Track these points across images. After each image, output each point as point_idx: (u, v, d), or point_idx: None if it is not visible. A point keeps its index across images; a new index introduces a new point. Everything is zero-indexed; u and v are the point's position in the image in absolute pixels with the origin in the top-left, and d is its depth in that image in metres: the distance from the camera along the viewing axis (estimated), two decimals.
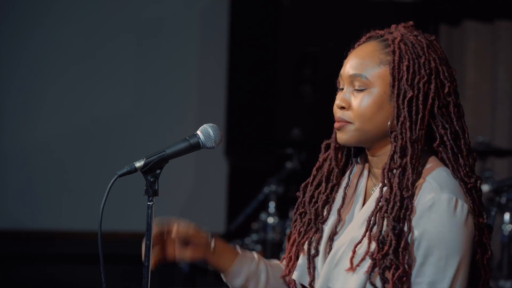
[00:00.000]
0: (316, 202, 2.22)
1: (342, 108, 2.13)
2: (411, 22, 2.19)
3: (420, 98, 2.08)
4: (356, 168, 2.22)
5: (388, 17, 6.55)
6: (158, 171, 2.11)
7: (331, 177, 2.22)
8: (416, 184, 2.06)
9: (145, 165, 2.09)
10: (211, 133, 2.15)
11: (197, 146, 2.14)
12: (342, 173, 2.23)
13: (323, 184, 2.22)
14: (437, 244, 2.01)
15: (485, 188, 3.60)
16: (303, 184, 2.27)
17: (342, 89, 2.16)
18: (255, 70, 6.64)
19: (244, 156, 6.74)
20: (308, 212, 2.22)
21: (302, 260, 2.19)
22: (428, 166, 2.09)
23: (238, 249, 2.27)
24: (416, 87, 2.08)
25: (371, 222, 2.05)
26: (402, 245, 2.00)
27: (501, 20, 6.56)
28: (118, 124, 6.74)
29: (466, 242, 2.02)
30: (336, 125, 2.14)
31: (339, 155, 2.23)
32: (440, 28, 6.65)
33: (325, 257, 2.14)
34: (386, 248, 2.01)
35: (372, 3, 6.51)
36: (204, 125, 2.16)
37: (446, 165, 2.11)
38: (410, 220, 2.02)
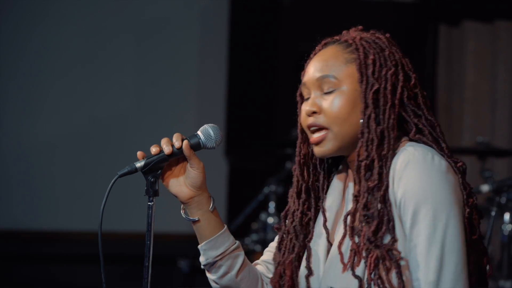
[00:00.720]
0: (293, 221, 2.17)
1: (314, 113, 2.09)
2: (360, 27, 2.18)
3: (388, 88, 2.05)
4: (335, 181, 2.17)
5: (388, 17, 6.55)
6: (158, 171, 2.11)
7: (301, 194, 2.17)
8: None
9: (145, 165, 2.09)
10: (212, 133, 2.14)
11: (197, 146, 2.14)
12: (313, 189, 2.17)
13: (295, 201, 2.17)
14: (421, 199, 1.96)
15: (485, 188, 3.60)
16: (282, 214, 2.22)
17: (307, 98, 2.13)
18: (255, 70, 6.64)
19: (244, 156, 6.74)
20: (291, 232, 2.17)
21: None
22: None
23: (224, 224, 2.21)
24: (384, 78, 2.06)
25: (348, 220, 2.03)
26: (372, 229, 1.97)
27: (501, 20, 6.55)
28: (118, 124, 6.74)
29: (451, 196, 1.98)
30: (314, 139, 2.10)
31: (305, 172, 2.18)
32: (439, 28, 6.65)
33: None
34: (361, 238, 1.98)
35: (372, 4, 6.51)
36: (205, 125, 2.16)
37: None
38: (382, 205, 1.98)
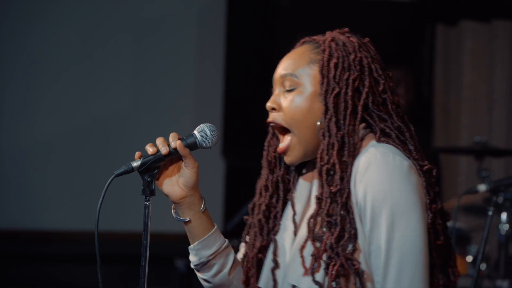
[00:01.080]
0: (258, 213, 2.18)
1: (273, 109, 2.12)
2: (346, 29, 2.16)
3: (349, 93, 2.03)
4: (303, 177, 2.16)
5: (385, 17, 6.56)
6: (155, 171, 2.11)
7: (268, 187, 2.17)
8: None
9: (142, 164, 2.09)
10: (208, 132, 2.15)
11: (193, 145, 2.14)
12: (283, 181, 2.17)
13: (263, 194, 2.18)
14: (381, 203, 1.95)
15: (482, 187, 3.60)
16: (250, 206, 2.23)
17: None
18: (252, 70, 6.65)
19: (241, 156, 6.74)
20: (255, 226, 2.18)
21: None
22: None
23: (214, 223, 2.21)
24: (345, 83, 2.04)
25: (311, 223, 2.02)
26: (335, 236, 1.96)
27: (498, 20, 6.56)
28: (116, 124, 6.74)
29: (412, 197, 1.96)
30: (280, 149, 2.11)
31: (275, 164, 2.18)
32: (437, 28, 6.65)
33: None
34: (323, 244, 1.97)
35: (370, 3, 6.51)
36: (201, 125, 2.16)
37: None
38: (344, 212, 1.97)
